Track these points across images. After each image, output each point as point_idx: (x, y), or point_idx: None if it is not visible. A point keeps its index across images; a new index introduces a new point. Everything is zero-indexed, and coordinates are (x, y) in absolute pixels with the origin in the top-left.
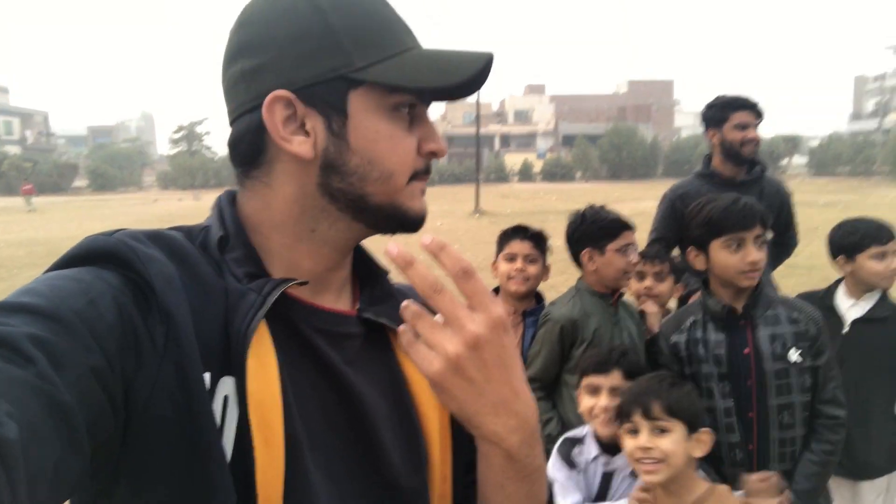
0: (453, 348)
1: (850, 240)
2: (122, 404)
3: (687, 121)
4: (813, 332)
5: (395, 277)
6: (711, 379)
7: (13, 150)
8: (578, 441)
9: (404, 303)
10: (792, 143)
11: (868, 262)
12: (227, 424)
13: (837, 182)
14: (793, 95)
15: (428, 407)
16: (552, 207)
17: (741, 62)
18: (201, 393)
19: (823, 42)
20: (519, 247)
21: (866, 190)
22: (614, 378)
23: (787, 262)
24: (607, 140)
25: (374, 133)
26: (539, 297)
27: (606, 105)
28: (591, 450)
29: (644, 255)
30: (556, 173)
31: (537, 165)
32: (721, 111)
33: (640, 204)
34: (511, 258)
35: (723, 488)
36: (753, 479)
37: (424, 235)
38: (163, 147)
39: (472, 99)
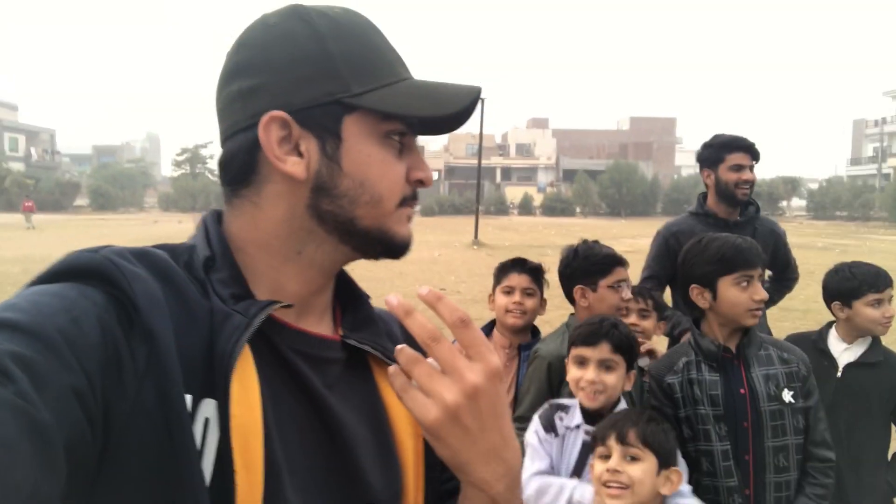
0: (452, 398)
1: (847, 286)
2: (102, 425)
3: (688, 159)
4: (804, 373)
5: (375, 302)
6: (708, 421)
7: (17, 166)
8: (563, 408)
9: (399, 347)
10: (791, 186)
11: (865, 310)
12: (207, 448)
13: (836, 226)
14: (793, 137)
15: (405, 434)
16: (551, 241)
17: (743, 102)
18: (182, 415)
19: (824, 85)
20: (517, 280)
21: (864, 234)
22: (602, 350)
23: (783, 305)
24: (608, 176)
25: (366, 157)
26: (535, 331)
27: (608, 141)
28: (574, 418)
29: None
30: (555, 207)
31: (537, 199)
32: (717, 151)
33: (638, 241)
34: (509, 291)
35: None
36: None
37: (422, 287)
38: (167, 168)
39: (474, 130)
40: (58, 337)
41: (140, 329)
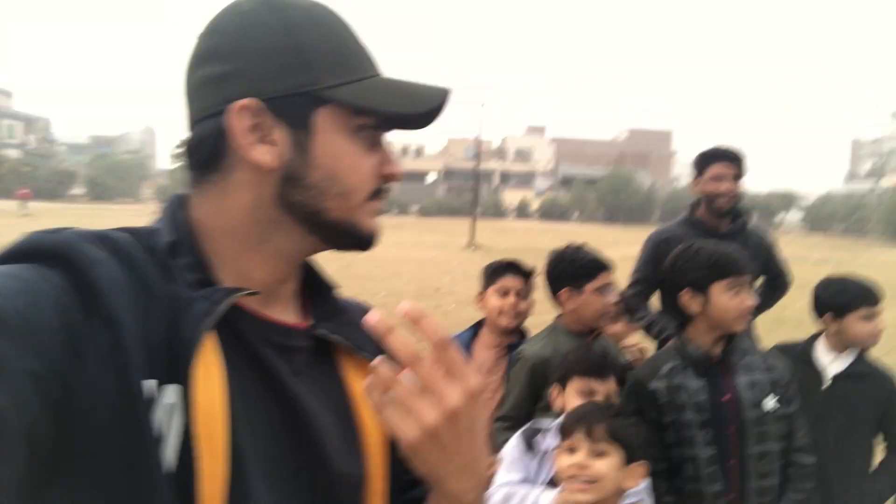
0: (432, 419)
1: (839, 299)
2: (61, 410)
3: (686, 170)
4: (786, 380)
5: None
6: (693, 426)
7: (13, 153)
8: (543, 431)
9: (376, 361)
10: (787, 200)
11: (857, 323)
12: (170, 434)
13: (830, 240)
14: (790, 153)
15: (370, 423)
16: (546, 246)
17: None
18: (143, 400)
19: (823, 102)
20: (512, 282)
21: (858, 249)
22: (610, 384)
23: (776, 316)
24: (605, 183)
25: (338, 150)
26: (523, 333)
27: (606, 150)
28: (553, 441)
29: None
30: (552, 213)
31: (534, 204)
32: (701, 161)
33: (633, 248)
34: (504, 293)
35: None
36: None
37: (403, 302)
38: (163, 161)
39: (473, 134)
40: (16, 320)
41: (101, 313)
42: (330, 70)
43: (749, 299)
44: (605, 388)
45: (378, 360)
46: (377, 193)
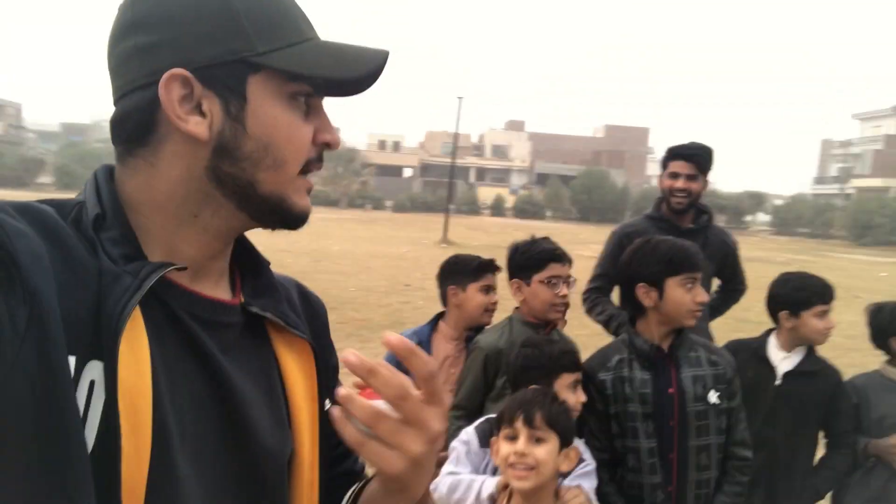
0: (419, 449)
1: (797, 296)
2: None
3: (659, 170)
4: (729, 375)
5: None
6: (636, 418)
7: None
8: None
9: (344, 393)
10: (756, 201)
11: (812, 320)
12: (91, 411)
13: (797, 242)
14: (762, 153)
15: (300, 398)
16: None
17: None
18: (64, 377)
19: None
20: (493, 280)
21: (824, 251)
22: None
23: (738, 316)
24: (580, 182)
25: (272, 119)
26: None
27: (583, 147)
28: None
29: None
30: (527, 210)
31: (510, 201)
32: (664, 158)
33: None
34: (487, 290)
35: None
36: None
37: (390, 334)
38: None
39: (451, 129)
40: None
41: (20, 288)
42: (262, 35)
43: (701, 295)
44: (573, 378)
45: (345, 393)
46: (312, 162)
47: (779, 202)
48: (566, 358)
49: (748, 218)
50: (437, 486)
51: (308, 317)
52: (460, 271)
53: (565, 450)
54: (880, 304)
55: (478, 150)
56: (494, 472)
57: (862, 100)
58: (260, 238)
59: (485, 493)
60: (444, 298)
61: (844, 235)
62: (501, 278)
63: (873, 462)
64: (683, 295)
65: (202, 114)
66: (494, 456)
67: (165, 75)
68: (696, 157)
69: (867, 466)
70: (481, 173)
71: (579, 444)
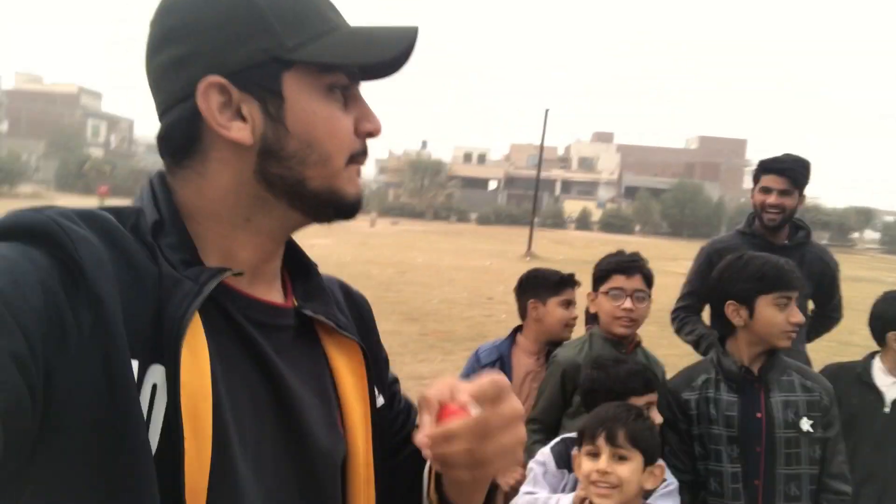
0: (514, 442)
1: None
2: (43, 392)
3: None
4: (825, 403)
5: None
6: (720, 441)
7: (97, 152)
8: (576, 442)
9: (438, 439)
10: (865, 217)
11: None
12: (154, 414)
13: None
14: (870, 167)
15: (352, 398)
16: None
17: (819, 127)
18: (128, 381)
19: None
20: (573, 295)
21: None
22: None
23: (842, 339)
24: (671, 195)
25: (311, 115)
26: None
27: (674, 159)
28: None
29: None
30: (614, 224)
31: (596, 214)
32: (756, 171)
33: None
34: (568, 305)
35: None
36: None
37: (421, 437)
38: None
39: (537, 141)
40: None
41: (85, 293)
42: (290, 30)
43: (796, 315)
44: (655, 398)
45: (422, 441)
46: (357, 155)
47: (889, 219)
48: (634, 380)
49: (855, 235)
50: None
51: (354, 316)
52: (540, 285)
53: (650, 468)
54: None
55: (564, 162)
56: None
57: None
58: (348, 249)
59: None
60: (523, 312)
61: None
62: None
63: None
64: (776, 314)
65: (243, 118)
66: (577, 471)
67: (201, 85)
68: (789, 172)
69: None
70: (567, 186)
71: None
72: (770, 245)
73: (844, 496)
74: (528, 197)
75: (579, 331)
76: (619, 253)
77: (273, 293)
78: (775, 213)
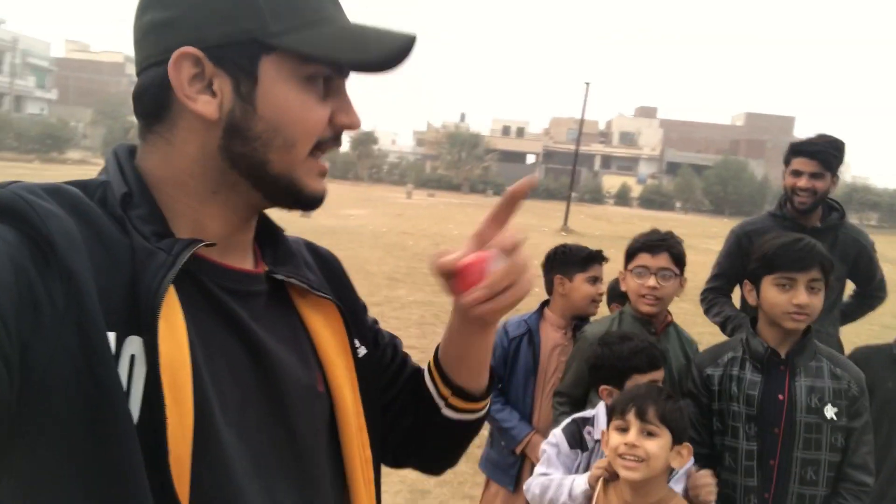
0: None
1: None
2: (19, 367)
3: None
4: (854, 392)
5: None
6: (739, 418)
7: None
8: (589, 420)
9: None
10: None
11: None
12: (133, 386)
13: None
14: None
15: (332, 354)
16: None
17: (872, 106)
18: (105, 354)
19: None
20: (599, 271)
21: None
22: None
23: (885, 322)
24: (714, 172)
25: (283, 101)
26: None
27: (719, 135)
28: (602, 429)
29: None
30: (654, 200)
31: (636, 190)
32: (787, 153)
33: None
34: (594, 281)
35: (680, 498)
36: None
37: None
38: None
39: (577, 115)
40: None
41: (56, 268)
42: (279, 14)
43: (799, 297)
44: (660, 376)
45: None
46: (325, 143)
47: None
48: (637, 358)
49: None
50: (530, 487)
51: (324, 273)
52: (568, 261)
53: (677, 447)
54: None
55: (604, 137)
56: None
57: None
58: (384, 220)
59: (577, 490)
60: (549, 287)
61: None
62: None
63: None
64: (777, 295)
65: (213, 93)
66: (604, 446)
67: (175, 53)
68: (820, 154)
69: None
70: (607, 161)
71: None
72: (801, 227)
73: (864, 487)
74: (567, 171)
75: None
76: (652, 232)
77: (245, 261)
78: (806, 197)
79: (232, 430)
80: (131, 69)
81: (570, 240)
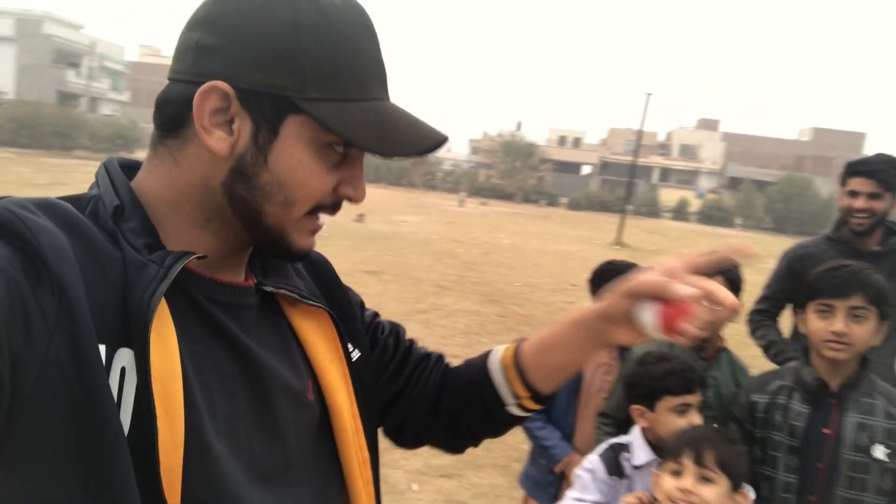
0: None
1: None
2: (10, 379)
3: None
4: None
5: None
6: (780, 448)
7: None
8: (625, 447)
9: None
10: None
11: None
12: (124, 397)
13: None
14: None
15: (325, 361)
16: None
17: None
18: (96, 366)
19: None
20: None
21: None
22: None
23: None
24: (778, 188)
25: (296, 161)
26: None
27: (784, 151)
28: (639, 455)
29: None
30: (713, 216)
31: (695, 205)
32: (843, 173)
33: None
34: None
35: None
36: None
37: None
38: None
39: (635, 126)
40: None
41: (48, 281)
42: (318, 81)
43: (836, 324)
44: (696, 399)
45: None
46: (323, 207)
47: None
48: (670, 380)
49: None
50: None
51: (315, 277)
52: (615, 278)
53: (734, 494)
54: None
55: (664, 149)
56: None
57: None
58: (435, 227)
59: None
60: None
61: None
62: None
63: None
64: (815, 322)
65: (230, 131)
66: (655, 489)
67: (207, 85)
68: (879, 174)
69: None
70: (665, 174)
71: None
72: (857, 251)
73: None
74: (623, 183)
75: None
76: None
77: (236, 274)
78: (863, 218)
79: (223, 441)
80: None
81: (622, 254)
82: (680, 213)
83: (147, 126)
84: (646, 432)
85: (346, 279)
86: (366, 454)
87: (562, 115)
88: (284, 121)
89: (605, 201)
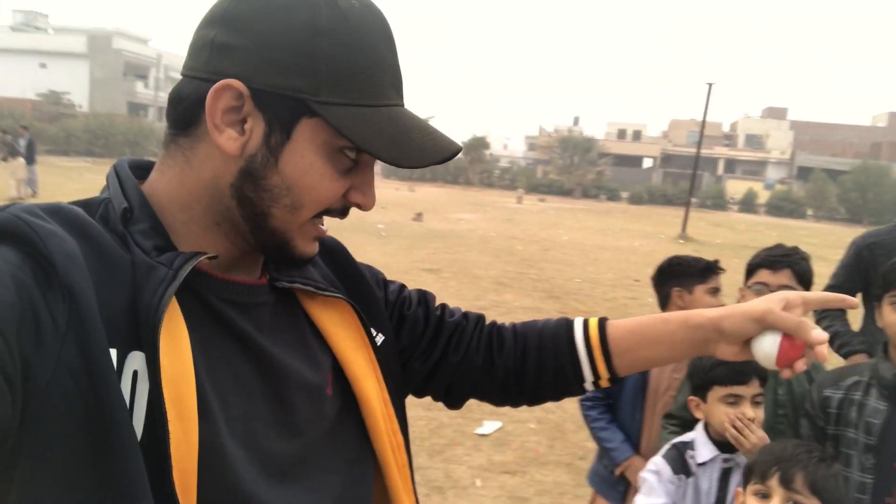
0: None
1: None
2: (21, 385)
3: None
4: None
5: None
6: (855, 446)
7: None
8: (689, 445)
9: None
10: None
11: None
12: (137, 401)
13: None
14: None
15: (350, 350)
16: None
17: None
18: (108, 371)
19: None
20: (719, 282)
21: None
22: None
23: None
24: (851, 178)
25: (307, 165)
26: None
27: (857, 138)
28: (703, 452)
29: None
30: (783, 207)
31: (763, 196)
32: None
33: None
34: (714, 292)
35: None
36: None
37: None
38: None
39: (698, 117)
40: None
41: (58, 286)
42: (334, 85)
43: None
44: (749, 391)
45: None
46: (334, 212)
47: None
48: (718, 370)
49: None
50: None
51: (331, 265)
52: (685, 272)
53: None
54: None
55: (729, 139)
56: (721, 491)
57: None
58: (493, 225)
59: None
60: (665, 301)
61: None
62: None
63: None
64: (890, 314)
65: (242, 131)
66: None
67: (221, 83)
68: None
69: None
70: (731, 165)
71: None
72: None
73: None
74: (686, 176)
75: None
76: (776, 246)
77: (249, 273)
78: None
79: (238, 442)
80: None
81: (688, 248)
82: (747, 205)
83: None
84: (707, 428)
85: (405, 277)
86: (399, 438)
87: (620, 108)
88: (298, 123)
89: (668, 194)
